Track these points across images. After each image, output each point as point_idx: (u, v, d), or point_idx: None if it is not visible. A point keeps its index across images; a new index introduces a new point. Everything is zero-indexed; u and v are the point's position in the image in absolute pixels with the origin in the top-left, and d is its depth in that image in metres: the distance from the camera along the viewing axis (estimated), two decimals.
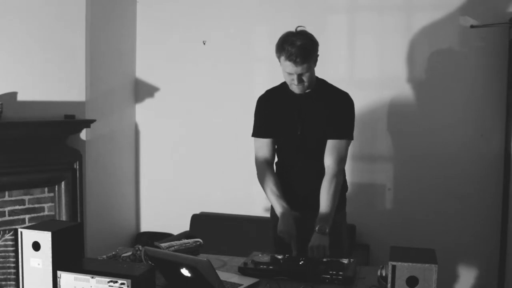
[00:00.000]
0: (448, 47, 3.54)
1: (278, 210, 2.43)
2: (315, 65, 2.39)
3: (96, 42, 3.70)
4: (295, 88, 2.39)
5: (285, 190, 2.49)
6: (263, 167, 2.50)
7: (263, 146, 2.51)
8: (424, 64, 3.58)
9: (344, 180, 2.58)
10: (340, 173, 2.45)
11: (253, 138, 2.56)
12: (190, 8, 4.07)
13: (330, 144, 2.43)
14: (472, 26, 3.42)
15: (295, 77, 2.33)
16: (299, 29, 2.35)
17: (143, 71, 4.23)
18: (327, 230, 2.32)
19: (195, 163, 4.12)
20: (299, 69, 2.30)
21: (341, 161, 2.44)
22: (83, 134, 3.60)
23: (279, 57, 2.34)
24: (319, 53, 2.39)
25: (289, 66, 2.31)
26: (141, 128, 4.28)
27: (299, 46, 2.26)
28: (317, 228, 2.32)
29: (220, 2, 4.00)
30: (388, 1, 3.64)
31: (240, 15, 3.95)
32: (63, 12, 3.44)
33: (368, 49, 3.69)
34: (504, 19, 3.32)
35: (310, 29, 2.41)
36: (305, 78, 2.35)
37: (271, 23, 3.84)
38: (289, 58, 2.28)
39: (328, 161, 2.42)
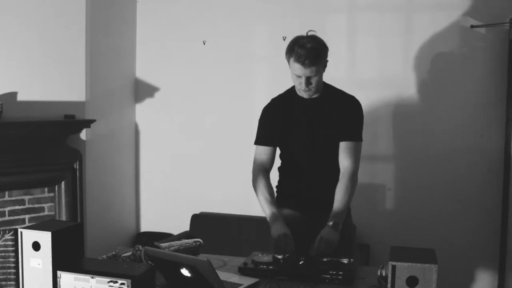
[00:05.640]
0: (448, 47, 3.54)
1: (268, 214, 2.44)
2: (324, 70, 2.38)
3: (96, 42, 3.69)
4: (302, 92, 2.40)
5: (295, 195, 2.52)
6: (257, 172, 2.52)
7: (263, 153, 2.52)
8: (424, 64, 3.58)
9: None
10: (357, 174, 2.47)
11: (255, 145, 2.56)
12: (190, 8, 4.07)
13: (346, 146, 2.44)
14: (472, 26, 3.42)
15: (303, 80, 2.34)
16: (310, 33, 2.35)
17: (143, 71, 4.23)
18: (340, 227, 2.34)
19: (195, 163, 4.12)
20: (307, 72, 2.31)
21: (358, 161, 2.46)
22: (83, 134, 3.60)
23: (288, 59, 2.35)
24: (328, 58, 2.38)
25: (298, 69, 2.32)
26: (141, 128, 4.28)
27: (308, 49, 2.27)
28: (331, 223, 2.33)
29: (220, 2, 4.00)
30: (388, 1, 3.64)
31: (240, 15, 3.95)
32: (63, 12, 3.44)
33: (368, 49, 3.69)
34: (504, 19, 3.32)
35: (310, 29, 2.41)
36: (313, 82, 2.35)
37: (271, 23, 3.85)
38: (298, 60, 2.29)
39: (346, 162, 2.44)
